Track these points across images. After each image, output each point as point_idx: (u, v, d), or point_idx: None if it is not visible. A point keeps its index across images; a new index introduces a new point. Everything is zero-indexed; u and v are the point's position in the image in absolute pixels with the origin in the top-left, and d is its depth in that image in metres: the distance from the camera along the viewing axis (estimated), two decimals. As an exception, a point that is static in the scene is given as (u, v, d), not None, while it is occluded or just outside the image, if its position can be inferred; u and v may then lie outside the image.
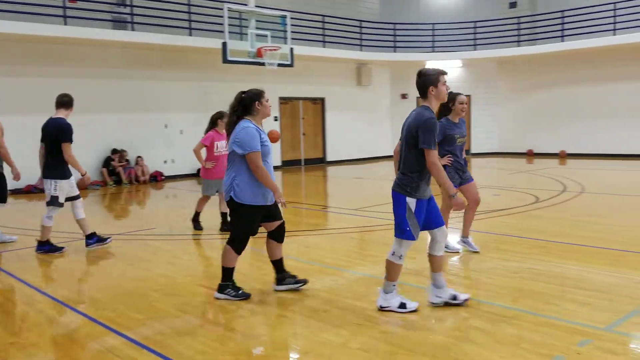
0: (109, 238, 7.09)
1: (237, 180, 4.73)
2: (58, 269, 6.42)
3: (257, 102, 4.83)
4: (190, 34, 15.69)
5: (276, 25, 15.68)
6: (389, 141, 22.04)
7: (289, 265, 5.25)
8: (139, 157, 15.32)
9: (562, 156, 19.85)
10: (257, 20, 15.04)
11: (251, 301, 4.83)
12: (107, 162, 14.73)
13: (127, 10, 15.28)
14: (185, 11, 15.76)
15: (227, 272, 4.91)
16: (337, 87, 20.14)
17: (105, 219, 9.99)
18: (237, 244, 4.87)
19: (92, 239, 6.96)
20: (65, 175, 6.71)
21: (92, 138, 13.98)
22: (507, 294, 4.65)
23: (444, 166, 5.83)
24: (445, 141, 6.03)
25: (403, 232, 4.35)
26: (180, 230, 8.27)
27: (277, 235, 5.02)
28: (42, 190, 12.89)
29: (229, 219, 5.02)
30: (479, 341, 3.90)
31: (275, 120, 18.38)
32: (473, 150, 21.26)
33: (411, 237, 4.36)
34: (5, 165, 7.42)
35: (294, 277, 5.07)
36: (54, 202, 6.69)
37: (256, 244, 6.45)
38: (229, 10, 14.46)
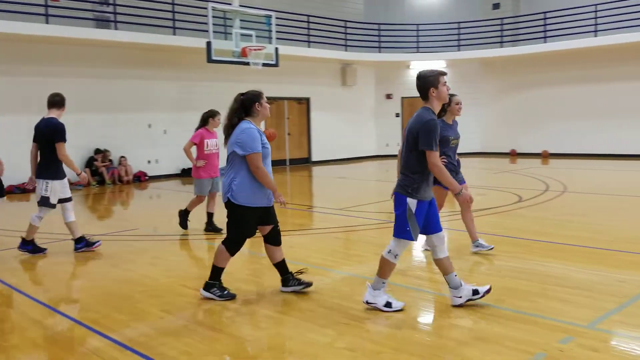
0: (97, 242, 6.99)
1: (237, 181, 4.71)
2: (40, 270, 6.34)
3: (257, 103, 4.83)
4: (174, 33, 15.59)
5: (261, 25, 15.64)
6: (373, 141, 22.15)
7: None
8: (122, 157, 15.19)
9: (545, 156, 20.07)
10: (241, 20, 15.00)
11: (236, 301, 4.82)
12: (90, 162, 14.59)
13: (110, 9, 15.15)
14: (169, 10, 15.66)
15: (217, 272, 4.89)
16: (322, 87, 20.15)
17: (88, 220, 9.88)
18: (232, 245, 4.85)
19: (81, 243, 6.89)
20: (58, 175, 6.63)
21: (74, 138, 13.60)
22: (490, 292, 4.69)
23: None
24: (439, 142, 6.04)
25: (403, 232, 4.36)
26: (164, 231, 8.22)
27: (272, 239, 4.99)
28: (24, 191, 12.79)
29: (227, 219, 4.94)
30: (463, 339, 3.93)
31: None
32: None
33: (410, 238, 4.38)
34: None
35: (298, 279, 5.05)
36: (45, 202, 6.61)
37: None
38: (214, 9, 14.41)
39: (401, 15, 22.70)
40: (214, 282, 4.90)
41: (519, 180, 13.63)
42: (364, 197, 12.24)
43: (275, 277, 5.18)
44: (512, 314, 4.33)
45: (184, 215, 8.08)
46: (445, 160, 6.07)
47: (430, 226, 4.48)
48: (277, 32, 16.05)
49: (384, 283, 4.51)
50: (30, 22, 12.90)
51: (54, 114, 6.65)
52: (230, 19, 15.32)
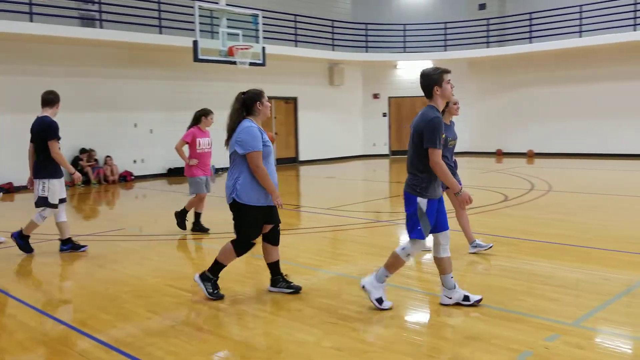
0: (84, 247, 6.92)
1: (240, 181, 4.69)
2: (26, 271, 6.28)
3: (258, 102, 4.81)
4: (161, 32, 15.49)
5: (248, 24, 15.59)
6: (360, 141, 22.20)
7: (259, 265, 5.24)
8: (107, 156, 15.07)
9: (530, 155, 20.24)
10: (228, 19, 14.94)
11: (224, 301, 4.81)
12: (75, 162, 14.45)
13: (95, 7, 15.02)
14: (155, 9, 15.55)
15: (217, 267, 4.88)
16: (310, 87, 20.15)
17: (73, 220, 9.78)
18: (240, 246, 4.83)
19: (67, 245, 6.82)
20: (56, 174, 6.56)
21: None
22: (477, 290, 4.72)
23: None
24: None
25: (415, 231, 4.38)
26: (151, 231, 8.17)
27: (272, 238, 4.97)
28: (8, 191, 12.64)
29: (234, 220, 4.87)
30: (450, 337, 3.96)
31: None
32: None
33: (421, 237, 4.38)
34: None
35: (288, 281, 5.03)
36: (43, 202, 6.53)
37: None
38: (200, 8, 14.34)
39: (388, 15, 22.76)
40: (211, 276, 4.87)
41: (505, 180, 13.74)
42: (351, 196, 12.26)
43: (264, 278, 5.17)
44: (499, 313, 4.36)
45: (181, 216, 7.92)
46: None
47: (438, 224, 4.49)
48: (264, 31, 16.02)
49: (387, 277, 4.51)
50: (14, 21, 12.74)
51: (47, 112, 6.61)
52: (217, 17, 15.25)
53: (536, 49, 19.37)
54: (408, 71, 21.75)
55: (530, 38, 19.79)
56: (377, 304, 4.46)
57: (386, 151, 22.41)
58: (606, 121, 18.90)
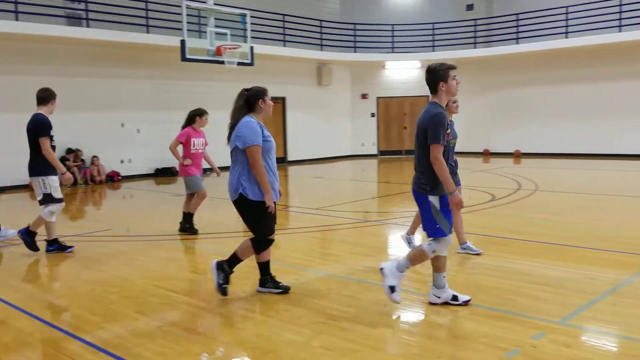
0: (71, 248, 6.86)
1: (245, 177, 4.66)
2: (11, 271, 6.21)
3: (260, 100, 4.78)
4: (148, 31, 15.41)
5: (236, 23, 15.55)
6: (349, 141, 22.22)
7: (248, 265, 5.23)
8: (94, 156, 14.95)
9: (517, 155, 20.39)
10: (216, 18, 14.89)
11: (211, 301, 4.79)
12: (61, 162, 14.28)
13: (82, 6, 14.90)
14: (142, 8, 15.46)
15: (235, 261, 4.86)
16: (298, 87, 20.14)
17: (60, 221, 9.66)
18: (258, 245, 4.81)
19: (54, 245, 6.76)
20: (53, 170, 6.51)
21: (45, 137, 13.54)
22: (464, 289, 4.75)
23: None
24: None
25: (435, 231, 4.35)
26: (137, 232, 8.12)
27: None
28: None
29: (245, 219, 4.83)
30: (439, 336, 3.98)
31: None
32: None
33: (443, 234, 4.36)
34: None
35: (276, 282, 5.01)
36: (49, 199, 6.49)
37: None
38: (188, 7, 14.27)
39: (377, 15, 22.80)
40: (227, 268, 4.85)
41: (492, 180, 13.82)
42: (339, 196, 12.27)
43: (253, 279, 5.16)
44: (486, 311, 4.39)
45: (188, 221, 7.79)
46: None
47: None
48: (252, 31, 16.00)
49: (407, 268, 4.48)
50: (-1, 19, 12.63)
51: (41, 110, 6.57)
52: (205, 17, 15.20)
53: (523, 50, 19.52)
54: (396, 71, 21.81)
55: (517, 39, 19.93)
56: (388, 290, 4.41)
57: (374, 151, 22.46)
58: (593, 121, 19.08)
